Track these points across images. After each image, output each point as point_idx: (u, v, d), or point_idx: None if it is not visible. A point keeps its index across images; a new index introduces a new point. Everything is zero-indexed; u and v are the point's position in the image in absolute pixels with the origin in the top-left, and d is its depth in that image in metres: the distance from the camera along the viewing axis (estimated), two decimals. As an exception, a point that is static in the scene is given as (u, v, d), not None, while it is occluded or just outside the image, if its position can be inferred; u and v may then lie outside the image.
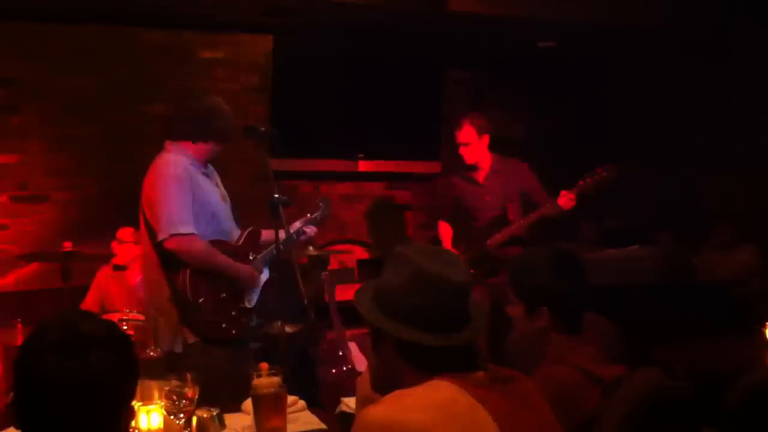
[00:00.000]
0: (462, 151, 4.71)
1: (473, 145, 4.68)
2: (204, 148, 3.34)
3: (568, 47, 6.00)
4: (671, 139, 5.85)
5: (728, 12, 5.28)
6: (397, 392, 1.59)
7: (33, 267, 5.07)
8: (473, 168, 4.79)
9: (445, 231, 4.96)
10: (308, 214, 3.76)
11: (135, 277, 4.72)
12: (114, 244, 4.74)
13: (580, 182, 4.49)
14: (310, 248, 4.11)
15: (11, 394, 1.59)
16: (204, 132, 3.32)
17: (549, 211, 4.53)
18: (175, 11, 5.11)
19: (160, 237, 3.14)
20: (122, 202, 4.99)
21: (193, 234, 3.15)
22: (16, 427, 1.52)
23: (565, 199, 4.45)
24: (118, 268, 4.74)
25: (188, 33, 5.50)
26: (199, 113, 3.34)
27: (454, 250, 4.70)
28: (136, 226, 4.47)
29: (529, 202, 4.73)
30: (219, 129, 3.34)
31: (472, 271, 4.60)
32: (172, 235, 3.12)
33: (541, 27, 5.55)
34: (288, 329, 3.11)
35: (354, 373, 4.19)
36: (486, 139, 4.70)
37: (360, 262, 5.95)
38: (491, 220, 4.73)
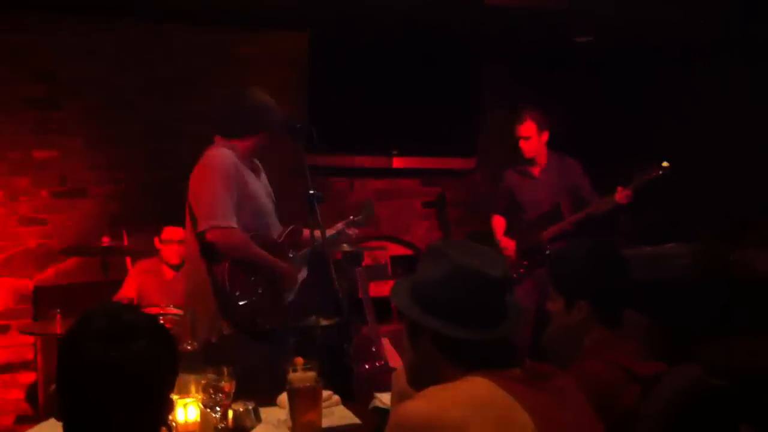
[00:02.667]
0: (522, 144, 4.87)
1: (533, 139, 4.84)
2: (251, 141, 3.38)
3: (605, 42, 5.94)
4: (712, 133, 5.77)
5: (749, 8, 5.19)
6: (433, 388, 1.59)
7: (72, 261, 5.14)
8: (530, 162, 4.95)
9: (499, 224, 5.09)
10: (351, 216, 3.77)
11: (171, 271, 4.77)
12: (156, 241, 4.78)
13: (637, 178, 4.59)
14: (344, 244, 4.11)
15: (52, 386, 1.61)
16: (251, 126, 3.36)
17: (604, 207, 4.70)
18: (214, 7, 5.14)
19: (201, 228, 3.18)
20: (161, 197, 5.09)
21: (232, 227, 3.18)
22: (57, 418, 1.54)
23: (622, 195, 4.59)
24: (176, 268, 4.77)
25: (227, 29, 5.52)
26: (247, 108, 3.39)
27: (508, 241, 4.92)
28: (181, 221, 4.55)
29: (578, 198, 4.85)
30: (265, 122, 3.39)
31: (525, 262, 4.70)
32: (212, 227, 3.15)
33: (577, 21, 5.49)
34: (323, 322, 3.12)
35: (387, 368, 4.19)
36: (546, 135, 4.87)
37: (393, 258, 5.95)
38: (542, 214, 4.86)
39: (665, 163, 4.54)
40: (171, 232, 4.72)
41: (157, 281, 4.78)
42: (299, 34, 5.64)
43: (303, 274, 3.51)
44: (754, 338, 3.73)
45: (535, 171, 4.95)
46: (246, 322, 3.24)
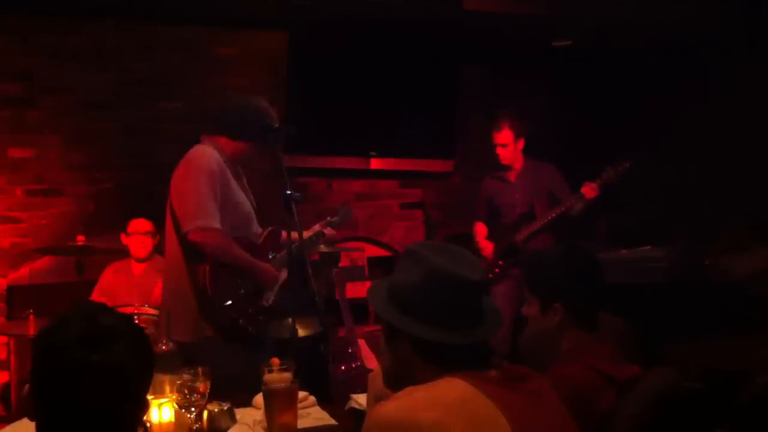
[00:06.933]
0: (499, 151, 4.97)
1: (510, 147, 4.95)
2: (240, 146, 3.34)
3: (583, 45, 5.98)
4: (686, 136, 5.82)
5: (750, 8, 5.24)
6: (409, 389, 1.59)
7: (47, 261, 5.09)
8: (506, 168, 5.05)
9: (481, 230, 5.18)
10: (328, 218, 3.77)
11: (139, 267, 4.75)
12: (122, 237, 4.75)
13: (603, 173, 4.71)
14: (322, 245, 4.11)
15: (26, 386, 1.59)
16: (244, 131, 3.32)
17: (573, 203, 4.79)
18: (191, 7, 5.12)
19: (185, 228, 3.13)
20: (137, 197, 5.07)
21: (217, 228, 3.15)
22: (30, 419, 1.53)
23: (589, 189, 4.70)
24: (141, 260, 4.76)
25: (204, 29, 5.50)
26: (244, 112, 3.34)
27: (487, 243, 5.03)
28: (152, 220, 4.54)
29: (555, 202, 4.95)
30: (259, 132, 3.34)
31: (501, 263, 4.83)
32: (198, 228, 3.11)
33: (556, 25, 5.53)
34: (301, 332, 3.10)
35: (363, 370, 4.19)
36: (522, 142, 4.97)
37: (371, 259, 5.95)
38: (519, 217, 4.97)
39: (629, 157, 4.70)
40: (137, 224, 4.71)
41: (126, 280, 4.76)
42: (278, 34, 5.63)
43: (283, 275, 3.50)
44: (727, 341, 3.76)
45: (511, 176, 5.06)
46: (227, 324, 3.21)
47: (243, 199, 3.36)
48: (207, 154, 3.25)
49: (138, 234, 4.70)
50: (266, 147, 3.39)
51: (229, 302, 3.20)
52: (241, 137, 3.33)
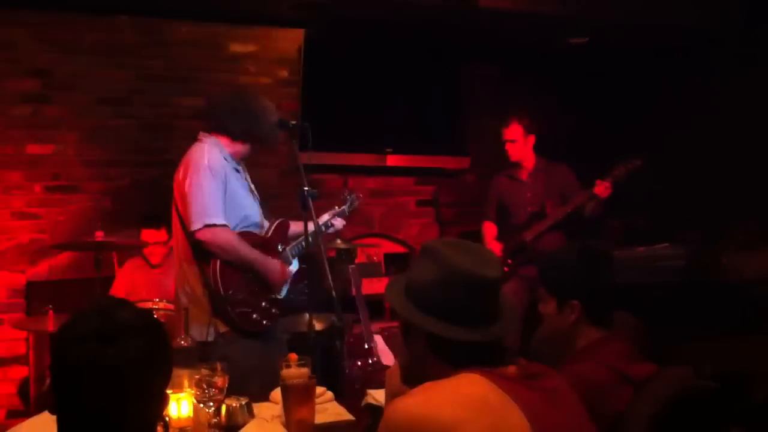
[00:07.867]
0: (508, 147, 4.92)
1: (519, 142, 4.90)
2: (240, 147, 3.36)
3: (596, 44, 5.97)
4: (697, 135, 5.79)
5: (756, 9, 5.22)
6: (427, 385, 1.59)
7: (65, 256, 5.12)
8: (517, 166, 4.99)
9: (490, 230, 5.12)
10: (336, 207, 3.78)
11: (162, 267, 4.78)
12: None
13: (614, 171, 4.63)
14: (338, 241, 4.12)
15: (47, 381, 1.60)
16: (244, 132, 3.34)
17: (584, 200, 4.71)
18: (208, 4, 5.13)
19: (192, 227, 3.16)
20: (153, 193, 5.08)
21: (224, 225, 3.17)
22: (51, 412, 1.54)
23: (601, 188, 4.61)
24: (154, 266, 4.82)
25: (220, 26, 5.51)
26: (245, 113, 3.36)
27: (495, 245, 4.96)
28: (167, 219, 4.57)
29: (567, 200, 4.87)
30: (260, 133, 3.36)
31: (509, 261, 4.79)
32: (205, 226, 3.14)
33: (570, 23, 5.52)
34: (317, 326, 3.12)
35: (380, 366, 4.19)
36: (532, 139, 4.92)
37: (387, 256, 5.96)
38: (530, 216, 4.91)
39: (640, 156, 4.63)
40: (147, 236, 4.75)
41: (145, 276, 4.79)
42: (294, 32, 5.63)
43: (294, 267, 3.51)
44: (741, 341, 3.75)
45: (523, 175, 4.99)
46: (240, 320, 3.23)
47: (246, 195, 3.37)
48: (207, 151, 3.26)
49: (148, 244, 4.75)
50: (267, 147, 3.42)
51: (237, 296, 3.22)
52: (240, 138, 3.35)
